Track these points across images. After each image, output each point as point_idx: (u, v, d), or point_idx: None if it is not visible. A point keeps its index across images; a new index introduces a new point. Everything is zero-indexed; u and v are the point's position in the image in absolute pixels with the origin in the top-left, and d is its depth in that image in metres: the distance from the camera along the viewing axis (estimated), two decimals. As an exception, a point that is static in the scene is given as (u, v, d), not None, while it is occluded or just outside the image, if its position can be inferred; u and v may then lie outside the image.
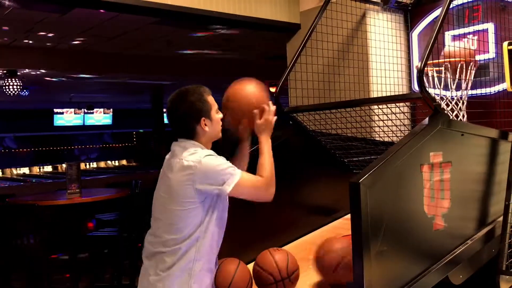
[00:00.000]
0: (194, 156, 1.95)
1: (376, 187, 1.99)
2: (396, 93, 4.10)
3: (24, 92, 9.55)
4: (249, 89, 2.22)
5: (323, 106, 3.18)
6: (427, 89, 2.43)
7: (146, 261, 2.06)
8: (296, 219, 3.20)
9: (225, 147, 2.33)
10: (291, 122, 3.32)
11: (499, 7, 3.65)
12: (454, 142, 2.53)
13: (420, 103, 2.57)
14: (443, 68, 3.14)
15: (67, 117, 14.97)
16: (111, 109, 15.69)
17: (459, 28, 3.58)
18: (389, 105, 2.85)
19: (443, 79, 3.17)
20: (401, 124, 2.95)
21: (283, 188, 3.12)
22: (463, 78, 3.17)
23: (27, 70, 9.04)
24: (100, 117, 15.62)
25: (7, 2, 5.28)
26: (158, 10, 4.03)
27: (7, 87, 8.71)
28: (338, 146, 3.31)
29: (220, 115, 2.11)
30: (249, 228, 2.70)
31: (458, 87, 3.22)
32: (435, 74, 3.14)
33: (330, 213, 3.45)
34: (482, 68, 3.49)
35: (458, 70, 3.14)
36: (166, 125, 13.49)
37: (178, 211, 1.95)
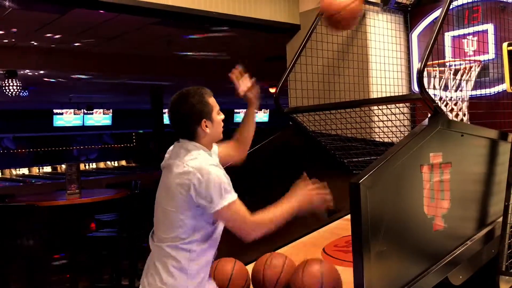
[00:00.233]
0: (194, 162, 1.94)
1: (376, 188, 1.99)
2: (396, 94, 4.11)
3: (24, 92, 9.55)
4: None
5: (323, 106, 3.19)
6: (427, 90, 2.43)
7: (148, 260, 2.07)
8: (295, 220, 3.20)
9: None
10: (291, 123, 3.32)
11: (499, 8, 3.65)
12: (454, 143, 2.53)
13: (420, 104, 2.58)
14: (446, 69, 3.15)
15: (66, 118, 14.95)
16: (111, 110, 15.67)
17: (459, 29, 3.59)
18: (389, 106, 2.86)
19: (444, 80, 3.18)
20: (401, 125, 2.95)
21: (283, 189, 3.12)
22: (466, 78, 3.17)
23: (26, 71, 9.04)
24: (100, 118, 15.60)
25: (7, 3, 5.28)
26: (158, 11, 4.03)
27: (6, 87, 8.70)
28: (338, 147, 3.32)
29: (222, 116, 2.11)
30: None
31: (459, 88, 3.22)
32: (437, 75, 3.14)
33: (330, 214, 3.45)
34: (482, 69, 3.50)
35: (461, 70, 3.15)
36: (166, 125, 13.49)
37: (173, 212, 1.95)
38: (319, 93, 3.67)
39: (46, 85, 11.02)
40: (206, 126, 2.02)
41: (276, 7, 4.70)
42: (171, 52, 8.89)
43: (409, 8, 4.36)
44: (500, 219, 2.63)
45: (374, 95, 4.10)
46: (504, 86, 3.56)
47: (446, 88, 3.17)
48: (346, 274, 2.47)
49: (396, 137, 3.01)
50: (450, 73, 3.15)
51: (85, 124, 15.37)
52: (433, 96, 3.09)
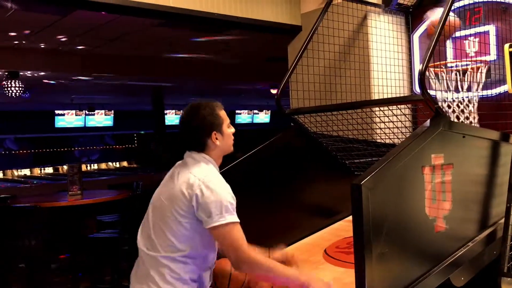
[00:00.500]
0: (201, 173, 1.96)
1: (377, 189, 1.99)
2: (398, 95, 4.10)
3: (25, 94, 9.56)
4: None
5: (324, 108, 3.19)
6: (428, 91, 2.43)
7: (139, 265, 2.07)
8: (297, 221, 3.20)
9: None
10: (292, 124, 3.32)
11: (500, 9, 3.65)
12: (456, 144, 2.53)
13: (421, 105, 2.58)
14: (453, 69, 3.14)
15: (68, 119, 14.96)
16: (112, 111, 15.68)
17: (460, 30, 3.59)
18: (390, 107, 2.86)
19: (445, 81, 3.17)
20: (403, 126, 2.95)
21: (285, 190, 3.13)
22: (473, 80, 3.17)
23: (28, 72, 9.05)
24: (101, 119, 15.61)
25: (9, 4, 5.29)
26: (160, 12, 4.03)
27: (8, 88, 8.71)
28: (340, 148, 3.32)
29: (232, 130, 2.12)
30: (249, 230, 2.69)
31: (457, 90, 3.22)
32: (445, 76, 3.13)
33: (331, 215, 3.45)
34: (487, 70, 3.49)
35: (468, 71, 3.14)
36: (167, 126, 13.50)
37: (172, 220, 1.95)
38: (321, 94, 3.67)
39: (47, 86, 11.04)
40: (216, 139, 2.04)
41: (278, 9, 4.70)
42: (172, 53, 8.90)
43: (410, 9, 4.36)
44: (502, 221, 2.63)
45: (375, 96, 4.10)
46: (506, 87, 3.56)
47: (448, 89, 3.17)
48: (348, 275, 2.48)
49: (398, 138, 3.01)
50: (456, 74, 3.14)
51: (86, 125, 15.38)
52: (438, 98, 3.10)
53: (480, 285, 2.63)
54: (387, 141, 3.14)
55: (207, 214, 1.89)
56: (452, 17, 3.01)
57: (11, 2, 5.18)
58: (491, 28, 3.65)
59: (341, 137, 3.22)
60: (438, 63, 3.17)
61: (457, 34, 3.59)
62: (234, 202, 1.96)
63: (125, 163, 17.05)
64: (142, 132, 17.35)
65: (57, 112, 14.67)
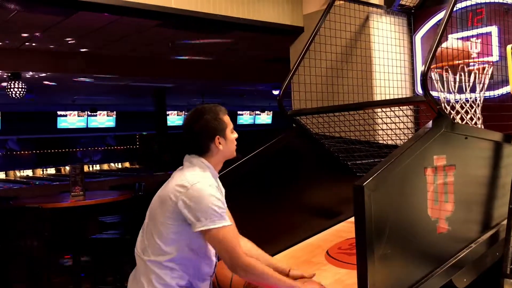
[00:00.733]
0: (193, 177, 1.95)
1: (379, 190, 1.99)
2: (400, 96, 4.10)
3: (28, 95, 9.57)
4: None
5: (326, 109, 3.18)
6: (430, 92, 2.43)
7: (134, 270, 2.08)
8: (299, 222, 3.20)
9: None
10: (294, 125, 3.32)
11: (503, 10, 3.65)
12: (458, 145, 2.52)
13: (423, 106, 2.57)
14: (456, 70, 3.14)
15: (70, 120, 14.98)
16: (114, 112, 15.70)
17: (462, 31, 3.58)
18: (392, 108, 2.86)
19: (448, 82, 3.17)
20: (405, 127, 2.95)
21: (287, 191, 3.13)
22: (478, 80, 3.16)
23: (30, 73, 9.07)
24: (104, 120, 15.63)
25: (12, 6, 5.30)
26: (162, 13, 4.04)
27: (11, 90, 8.73)
28: (342, 149, 3.32)
29: (235, 135, 2.12)
30: (251, 231, 2.69)
31: (461, 90, 3.21)
32: (450, 77, 3.12)
33: (333, 216, 3.44)
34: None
35: (473, 72, 3.13)
36: (169, 127, 13.52)
37: (160, 223, 1.95)
38: (323, 95, 3.67)
39: (50, 87, 11.06)
40: (219, 143, 2.04)
41: (280, 10, 4.70)
42: (174, 54, 8.91)
43: (412, 11, 4.36)
44: (505, 222, 2.62)
45: (377, 97, 4.10)
46: (508, 89, 3.56)
47: (459, 91, 3.15)
48: (350, 276, 2.47)
49: (400, 139, 3.01)
50: (460, 75, 3.13)
51: (88, 126, 15.40)
52: (443, 99, 3.10)
53: (482, 287, 2.63)
54: (389, 142, 3.14)
55: (195, 218, 1.89)
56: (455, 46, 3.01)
57: (13, 4, 5.20)
58: (493, 29, 3.65)
59: (343, 138, 3.22)
60: (441, 64, 3.16)
61: (459, 35, 3.59)
62: (223, 206, 1.94)
63: (127, 164, 17.07)
64: (144, 133, 17.36)
65: (59, 113, 14.69)
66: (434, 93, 2.83)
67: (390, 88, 4.09)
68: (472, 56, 3.29)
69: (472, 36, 3.71)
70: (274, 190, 3.05)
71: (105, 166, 16.58)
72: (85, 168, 14.75)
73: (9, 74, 8.69)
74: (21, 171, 14.95)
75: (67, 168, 13.78)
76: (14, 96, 8.80)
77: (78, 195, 5.23)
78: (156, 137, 13.84)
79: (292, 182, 3.17)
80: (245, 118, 18.02)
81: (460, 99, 3.21)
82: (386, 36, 4.17)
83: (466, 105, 3.19)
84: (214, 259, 2.08)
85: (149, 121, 14.34)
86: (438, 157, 2.33)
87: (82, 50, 8.15)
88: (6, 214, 4.69)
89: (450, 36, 3.30)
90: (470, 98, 3.18)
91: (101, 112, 15.32)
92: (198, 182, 1.92)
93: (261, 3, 4.57)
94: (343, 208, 3.43)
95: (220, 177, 2.16)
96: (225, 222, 1.91)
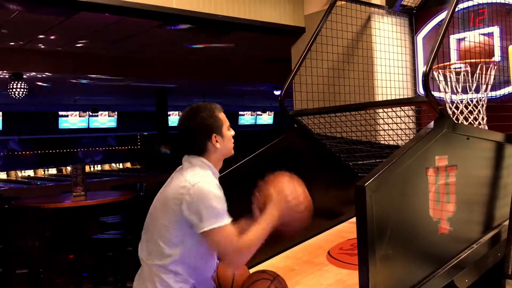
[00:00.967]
0: (194, 178, 1.91)
1: (381, 191, 1.99)
2: (401, 97, 4.10)
3: (30, 95, 9.59)
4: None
5: (328, 109, 3.18)
6: (432, 92, 2.43)
7: (138, 273, 2.07)
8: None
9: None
10: (296, 125, 3.32)
11: (505, 11, 3.64)
12: (460, 146, 2.52)
13: (425, 107, 2.57)
14: (459, 70, 3.13)
15: (71, 120, 15.00)
16: (116, 112, 15.72)
17: (464, 32, 3.58)
18: (394, 109, 2.85)
19: (450, 82, 3.16)
20: (406, 127, 2.94)
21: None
22: (481, 81, 3.15)
23: (32, 73, 9.08)
24: (105, 120, 15.65)
25: (14, 6, 5.31)
26: (163, 14, 4.04)
27: (12, 90, 8.75)
28: (343, 150, 3.32)
29: (232, 132, 2.08)
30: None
31: (465, 91, 3.20)
32: (453, 77, 3.12)
33: (334, 217, 3.44)
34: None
35: (477, 71, 3.12)
36: (170, 127, 13.51)
37: (164, 225, 1.93)
38: (324, 95, 3.67)
39: (51, 88, 11.07)
40: (217, 141, 2.00)
41: (281, 10, 4.70)
42: (175, 54, 8.92)
43: (414, 11, 4.36)
44: (506, 223, 2.62)
45: (379, 97, 4.09)
46: (510, 89, 3.55)
47: (463, 91, 3.15)
48: (351, 277, 2.47)
49: (402, 140, 3.01)
50: (463, 75, 3.12)
51: (90, 126, 15.42)
52: (447, 99, 3.09)
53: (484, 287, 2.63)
54: (391, 142, 3.14)
55: (198, 218, 1.85)
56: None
57: (15, 4, 5.20)
58: (495, 30, 3.64)
59: (345, 139, 3.22)
60: (442, 64, 3.16)
61: (461, 35, 3.59)
62: (225, 205, 1.91)
63: (128, 164, 17.08)
64: (145, 133, 17.38)
65: (60, 113, 14.72)
66: (436, 93, 2.83)
67: (392, 88, 4.09)
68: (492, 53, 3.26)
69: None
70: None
71: (106, 166, 16.60)
72: (87, 168, 14.75)
73: (10, 74, 8.70)
74: (22, 171, 14.97)
75: (69, 168, 13.80)
76: (15, 97, 8.81)
77: (79, 195, 5.24)
78: (157, 137, 13.85)
79: (293, 182, 3.16)
80: (246, 118, 18.02)
81: (464, 99, 3.20)
82: (387, 36, 4.16)
83: (470, 105, 3.18)
84: (216, 260, 2.07)
85: (150, 121, 14.35)
86: (440, 158, 2.32)
87: (83, 50, 8.15)
88: (8, 214, 4.69)
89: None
90: (474, 98, 3.18)
91: (102, 112, 15.34)
92: (199, 182, 1.89)
93: (262, 3, 4.58)
94: (344, 208, 3.43)
95: (221, 178, 2.12)
96: (228, 219, 1.88)
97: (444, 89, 3.23)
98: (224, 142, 2.04)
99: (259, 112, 18.40)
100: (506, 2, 3.65)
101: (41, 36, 7.02)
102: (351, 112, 2.97)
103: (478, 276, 2.52)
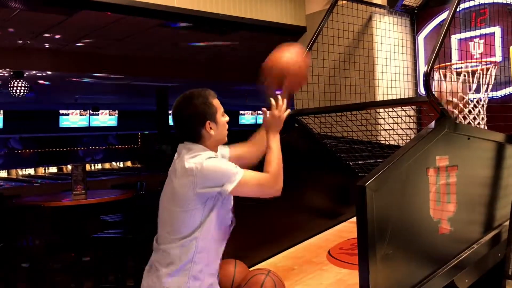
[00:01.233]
0: (195, 159, 1.94)
1: (382, 191, 1.99)
2: (402, 97, 4.10)
3: (30, 93, 9.59)
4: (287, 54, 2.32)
5: (328, 109, 3.18)
6: (433, 92, 2.43)
7: (149, 261, 2.08)
8: (301, 222, 3.20)
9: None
10: (296, 125, 3.32)
11: (506, 11, 3.64)
12: (461, 146, 2.52)
13: (426, 107, 2.57)
14: (459, 71, 3.13)
15: (72, 119, 14.99)
16: (116, 111, 15.71)
17: (465, 32, 3.58)
18: (395, 108, 2.85)
19: (450, 82, 3.16)
20: (407, 127, 2.94)
21: (288, 191, 3.12)
22: (482, 81, 3.15)
23: (33, 72, 9.08)
24: (106, 119, 15.64)
25: (16, 5, 5.31)
26: (165, 13, 4.04)
27: (13, 88, 8.74)
28: (344, 149, 3.31)
29: (226, 118, 2.09)
30: (253, 231, 2.70)
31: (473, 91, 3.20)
32: (454, 77, 3.12)
33: (335, 216, 3.44)
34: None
35: (478, 72, 3.12)
36: (171, 127, 13.49)
37: (179, 212, 1.95)
38: (325, 95, 3.67)
39: (52, 86, 11.07)
40: (211, 128, 2.01)
41: (282, 9, 4.70)
42: (176, 54, 8.91)
43: (415, 11, 4.35)
44: (507, 223, 2.62)
45: (380, 97, 4.09)
46: (511, 89, 3.55)
47: (463, 91, 3.14)
48: (352, 277, 2.47)
49: (402, 139, 3.01)
50: (464, 75, 3.12)
51: (90, 125, 15.42)
52: (444, 99, 3.08)
53: (484, 288, 2.63)
54: (392, 142, 3.14)
55: (219, 184, 1.90)
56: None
57: (16, 2, 5.20)
58: (496, 30, 3.64)
59: (345, 138, 3.22)
60: (444, 64, 3.15)
61: (463, 35, 3.59)
62: (229, 163, 1.99)
63: (128, 163, 17.08)
64: (146, 132, 17.37)
65: (61, 112, 14.71)
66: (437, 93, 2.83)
67: (393, 88, 4.08)
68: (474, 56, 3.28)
69: (475, 37, 3.71)
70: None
71: (107, 165, 16.59)
72: (87, 167, 14.75)
73: (11, 73, 8.70)
74: (23, 169, 14.97)
75: (69, 167, 13.77)
76: (16, 95, 8.81)
77: (79, 194, 5.24)
78: (158, 136, 13.84)
79: (293, 182, 3.16)
80: (247, 118, 18.02)
81: (463, 99, 3.20)
82: (389, 36, 4.16)
83: (469, 106, 3.18)
84: (223, 248, 2.09)
85: (151, 120, 14.33)
86: (441, 158, 2.32)
87: (85, 49, 8.15)
88: (8, 212, 4.69)
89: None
90: (474, 98, 3.18)
91: (103, 111, 15.34)
92: (203, 158, 1.93)
93: (263, 2, 4.57)
94: (344, 208, 3.43)
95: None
96: (240, 171, 1.94)
97: (441, 89, 3.22)
98: (219, 129, 2.05)
99: (260, 112, 18.38)
100: (507, 2, 3.65)
101: (43, 35, 7.02)
102: (352, 111, 2.97)
103: (478, 276, 2.52)
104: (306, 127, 3.27)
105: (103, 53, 8.50)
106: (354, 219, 2.02)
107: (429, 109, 2.47)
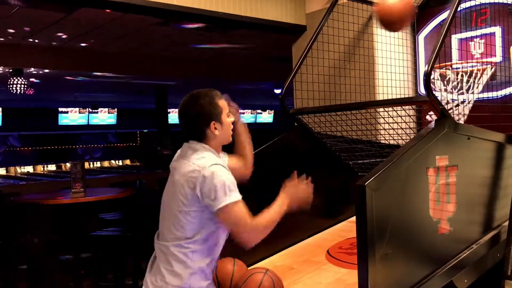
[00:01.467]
0: (201, 161, 1.95)
1: (381, 190, 1.98)
2: (402, 96, 4.09)
3: (29, 90, 9.58)
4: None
5: (328, 108, 3.18)
6: (434, 92, 2.42)
7: (151, 258, 2.09)
8: (300, 221, 3.19)
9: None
10: (296, 124, 3.32)
11: (507, 11, 3.64)
12: (460, 146, 2.52)
13: (426, 106, 2.57)
14: (459, 71, 3.13)
15: (71, 116, 15.00)
16: (116, 109, 15.71)
17: (466, 32, 3.57)
18: (395, 108, 2.85)
19: (450, 82, 3.16)
20: (407, 127, 2.94)
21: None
22: (480, 81, 3.15)
23: (32, 69, 9.07)
24: (105, 117, 15.64)
25: (16, 2, 5.29)
26: (164, 10, 4.02)
27: (12, 85, 8.74)
28: (343, 149, 3.31)
29: (231, 119, 2.10)
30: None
31: (469, 91, 3.20)
32: (451, 77, 3.12)
33: (334, 216, 3.44)
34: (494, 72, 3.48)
35: (474, 73, 3.12)
36: (170, 125, 13.50)
37: (179, 212, 1.96)
38: (325, 94, 3.67)
39: (51, 84, 11.06)
40: (215, 128, 2.02)
41: (283, 8, 4.69)
42: (175, 52, 8.90)
43: (416, 10, 4.34)
44: (506, 223, 2.62)
45: (380, 97, 4.08)
46: (511, 89, 3.55)
47: (459, 90, 3.15)
48: (351, 276, 2.47)
49: (402, 139, 3.00)
50: (462, 75, 3.12)
51: (90, 123, 15.42)
52: (443, 99, 3.09)
53: (483, 288, 2.62)
54: (391, 142, 3.13)
55: (212, 198, 1.89)
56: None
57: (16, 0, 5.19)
58: (497, 30, 3.64)
59: (345, 138, 3.21)
60: (444, 64, 3.15)
61: (463, 35, 3.58)
62: (234, 180, 1.96)
63: (127, 161, 17.07)
64: (145, 130, 17.37)
65: (60, 109, 14.71)
66: (436, 93, 2.83)
67: (393, 88, 4.08)
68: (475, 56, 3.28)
69: (476, 37, 3.70)
70: (275, 189, 3.04)
71: (106, 163, 16.58)
72: (86, 165, 14.74)
73: (11, 70, 8.69)
74: (21, 167, 14.96)
75: (68, 164, 13.78)
76: (16, 92, 8.80)
77: (78, 192, 5.24)
78: (157, 134, 13.84)
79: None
80: (246, 117, 18.02)
81: (462, 99, 3.20)
82: (389, 35, 4.15)
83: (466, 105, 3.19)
84: (221, 247, 2.09)
85: (150, 118, 14.33)
86: (441, 157, 2.32)
87: (84, 47, 8.14)
88: (7, 210, 4.69)
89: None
90: (473, 98, 3.18)
91: (102, 109, 15.34)
92: (208, 164, 1.93)
93: (263, 1, 4.56)
94: (344, 207, 3.42)
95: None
96: (239, 195, 1.93)
97: (441, 89, 3.22)
98: (223, 129, 2.06)
99: (259, 111, 18.38)
100: (508, 2, 3.64)
101: (41, 32, 7.01)
102: (351, 111, 2.97)
103: (477, 276, 2.52)
104: (305, 126, 3.26)
105: (102, 51, 8.50)
106: (353, 218, 2.01)
107: (429, 108, 2.47)
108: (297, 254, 2.97)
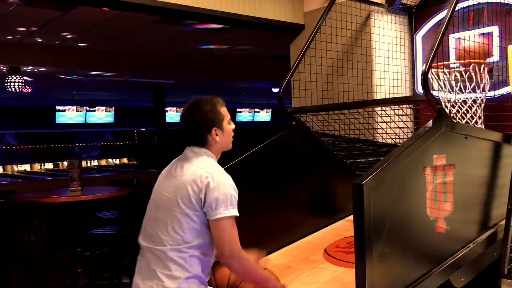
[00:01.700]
0: (208, 167, 1.98)
1: (379, 189, 1.99)
2: (400, 95, 4.10)
3: (27, 89, 9.56)
4: None
5: (326, 107, 3.18)
6: (431, 91, 2.43)
7: (142, 261, 2.07)
8: (297, 220, 3.20)
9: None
10: (294, 123, 3.32)
11: (504, 10, 3.64)
12: (458, 145, 2.52)
13: (424, 106, 2.57)
14: (456, 70, 3.13)
15: (69, 115, 14.95)
16: (113, 107, 15.68)
17: (463, 31, 3.58)
18: (392, 107, 2.85)
19: (447, 81, 3.16)
20: (405, 126, 2.94)
21: (286, 189, 3.12)
22: (477, 80, 3.15)
23: (29, 68, 9.05)
24: (102, 115, 15.61)
25: (14, 0, 5.28)
26: (162, 9, 4.02)
27: (9, 84, 8.71)
28: (341, 147, 3.31)
29: (232, 126, 2.14)
30: (250, 229, 2.68)
31: (462, 90, 3.20)
32: (447, 76, 3.12)
33: (331, 214, 3.44)
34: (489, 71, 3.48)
35: (471, 71, 3.12)
36: (168, 124, 13.50)
37: (179, 214, 1.95)
38: (323, 93, 3.67)
39: (49, 82, 11.03)
40: (216, 135, 2.06)
41: (281, 7, 4.69)
42: (173, 50, 8.89)
43: (414, 10, 4.35)
44: (503, 222, 2.62)
45: (377, 96, 4.09)
46: (509, 89, 3.55)
47: (459, 90, 3.15)
48: (348, 275, 2.47)
49: (400, 138, 3.01)
50: (459, 75, 3.12)
51: (87, 121, 15.38)
52: (441, 98, 3.09)
53: (480, 287, 2.63)
54: (389, 141, 3.14)
55: (213, 206, 1.91)
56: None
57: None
58: (494, 29, 3.64)
59: (343, 137, 3.22)
60: (442, 63, 3.15)
61: (461, 35, 3.58)
62: (237, 196, 1.98)
63: (125, 160, 17.05)
64: (142, 129, 17.34)
65: (58, 108, 14.67)
66: (434, 92, 2.83)
67: (391, 87, 4.09)
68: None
69: (474, 36, 3.70)
70: (273, 188, 3.05)
71: (103, 162, 16.56)
72: (83, 163, 14.71)
73: (8, 68, 8.67)
74: (18, 165, 14.93)
75: (65, 163, 13.77)
76: (13, 91, 8.78)
77: (75, 190, 5.23)
78: (154, 133, 13.82)
79: (291, 180, 3.16)
80: (244, 115, 18.02)
81: (460, 98, 3.21)
82: (387, 35, 4.16)
83: (465, 105, 3.19)
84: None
85: (148, 117, 14.32)
86: (438, 157, 2.32)
87: (81, 45, 8.12)
88: (3, 209, 4.67)
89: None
90: (471, 98, 3.18)
91: (99, 107, 15.30)
92: (215, 171, 1.97)
93: (262, 0, 4.56)
94: (341, 206, 3.43)
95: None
96: (237, 212, 1.95)
97: (438, 88, 3.23)
98: (224, 136, 2.10)
99: (257, 110, 18.39)
100: (506, 2, 3.65)
101: (39, 30, 6.99)
102: (349, 110, 2.97)
103: (474, 275, 2.53)
104: (303, 125, 3.26)
105: (100, 49, 8.48)
106: (351, 217, 2.02)
107: (426, 108, 2.47)
108: (294, 253, 2.97)
